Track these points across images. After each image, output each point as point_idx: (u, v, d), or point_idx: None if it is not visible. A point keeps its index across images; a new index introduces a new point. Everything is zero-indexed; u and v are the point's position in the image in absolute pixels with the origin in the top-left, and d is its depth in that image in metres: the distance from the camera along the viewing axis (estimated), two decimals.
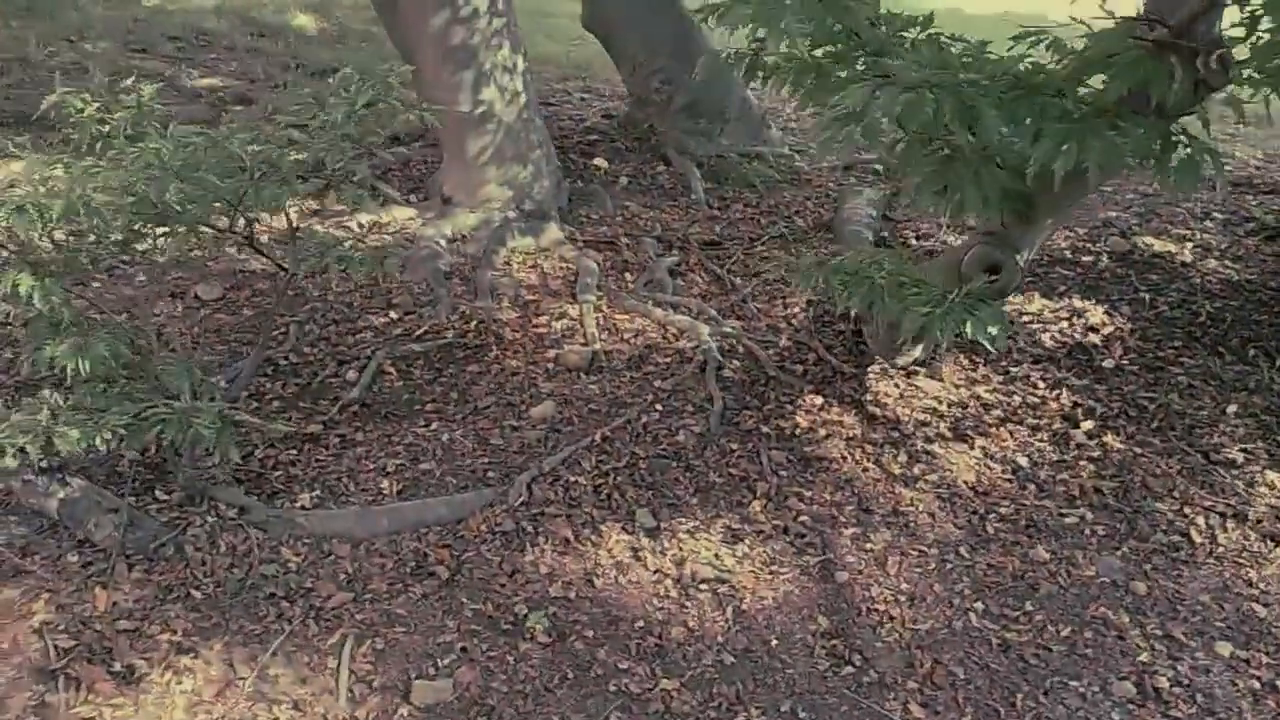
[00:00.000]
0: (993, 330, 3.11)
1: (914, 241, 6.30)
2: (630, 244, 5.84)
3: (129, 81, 3.53)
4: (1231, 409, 4.63)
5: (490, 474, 4.03)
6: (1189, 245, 6.15)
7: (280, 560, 3.51)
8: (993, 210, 3.11)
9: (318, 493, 3.83)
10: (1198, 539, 3.92)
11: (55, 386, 3.43)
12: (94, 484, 3.59)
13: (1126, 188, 7.11)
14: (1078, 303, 5.50)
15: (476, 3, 5.31)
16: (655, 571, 3.63)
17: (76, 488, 3.47)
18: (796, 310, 5.29)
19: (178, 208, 3.21)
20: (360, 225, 5.43)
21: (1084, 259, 6.02)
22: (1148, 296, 5.58)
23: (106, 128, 3.44)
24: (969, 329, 3.09)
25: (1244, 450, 4.41)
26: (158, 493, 3.72)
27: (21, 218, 3.02)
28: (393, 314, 5.10)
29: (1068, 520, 4.01)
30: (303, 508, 3.73)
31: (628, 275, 5.57)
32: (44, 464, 3.38)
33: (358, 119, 3.57)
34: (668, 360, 4.81)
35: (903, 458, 4.26)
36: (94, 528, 3.41)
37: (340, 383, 4.55)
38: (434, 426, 4.29)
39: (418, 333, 4.94)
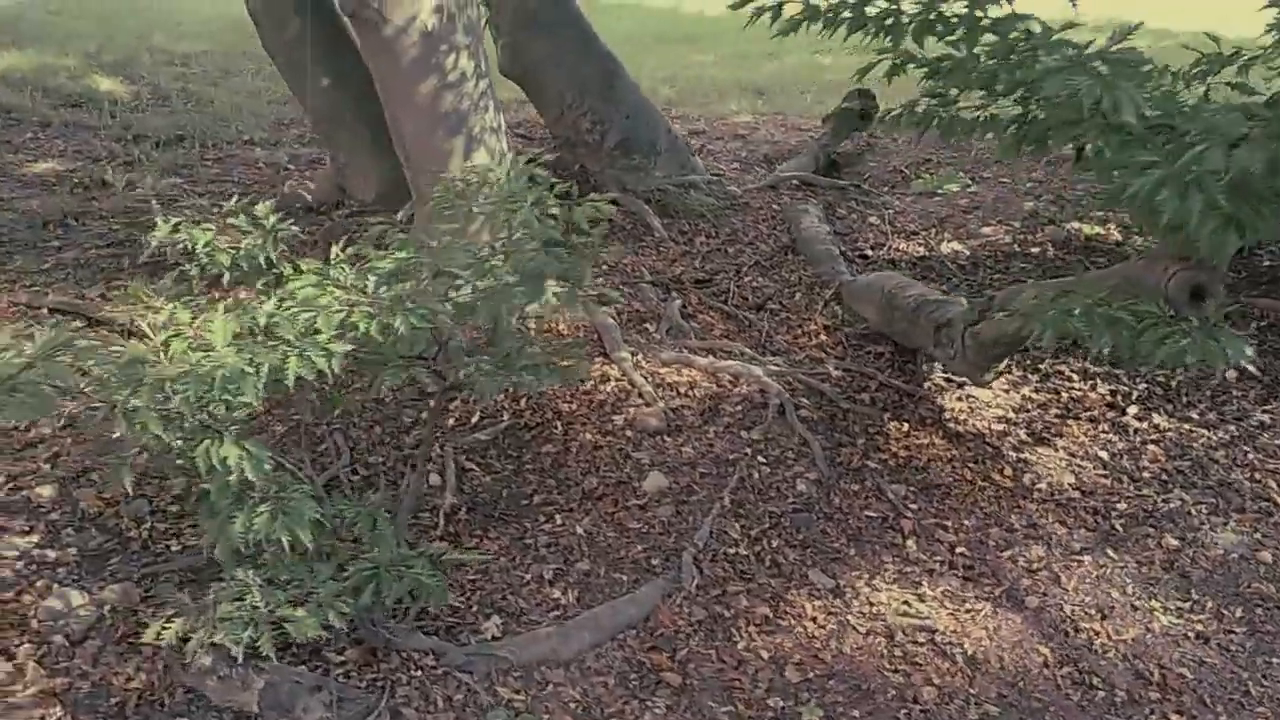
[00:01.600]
0: (1247, 352, 3.28)
1: (869, 253, 6.52)
2: (630, 292, 5.72)
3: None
4: (1231, 374, 5.10)
5: (650, 559, 3.87)
6: (1111, 226, 6.70)
7: (503, 701, 3.23)
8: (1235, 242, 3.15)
9: (497, 619, 3.54)
10: None
11: (245, 562, 3.00)
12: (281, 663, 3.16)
13: (1024, 176, 7.66)
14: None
15: (464, 66, 5.03)
16: (866, 633, 3.61)
17: (273, 671, 3.05)
18: (822, 338, 5.36)
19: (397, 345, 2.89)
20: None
21: (1032, 250, 6.44)
22: None
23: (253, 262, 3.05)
24: (1226, 356, 3.23)
25: (1267, 412, 4.88)
26: (326, 654, 3.33)
27: (245, 382, 2.62)
28: (431, 402, 4.76)
29: (1171, 504, 4.30)
30: (493, 638, 3.44)
31: (648, 325, 5.45)
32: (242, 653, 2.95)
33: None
34: (738, 408, 4.75)
35: (1007, 470, 4.43)
36: (303, 713, 3.01)
37: (427, 489, 4.21)
38: (559, 520, 4.06)
39: (473, 420, 4.64)
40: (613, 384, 4.95)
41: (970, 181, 7.60)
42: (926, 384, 4.91)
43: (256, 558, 2.98)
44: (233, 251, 3.28)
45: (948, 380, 4.96)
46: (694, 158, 7.34)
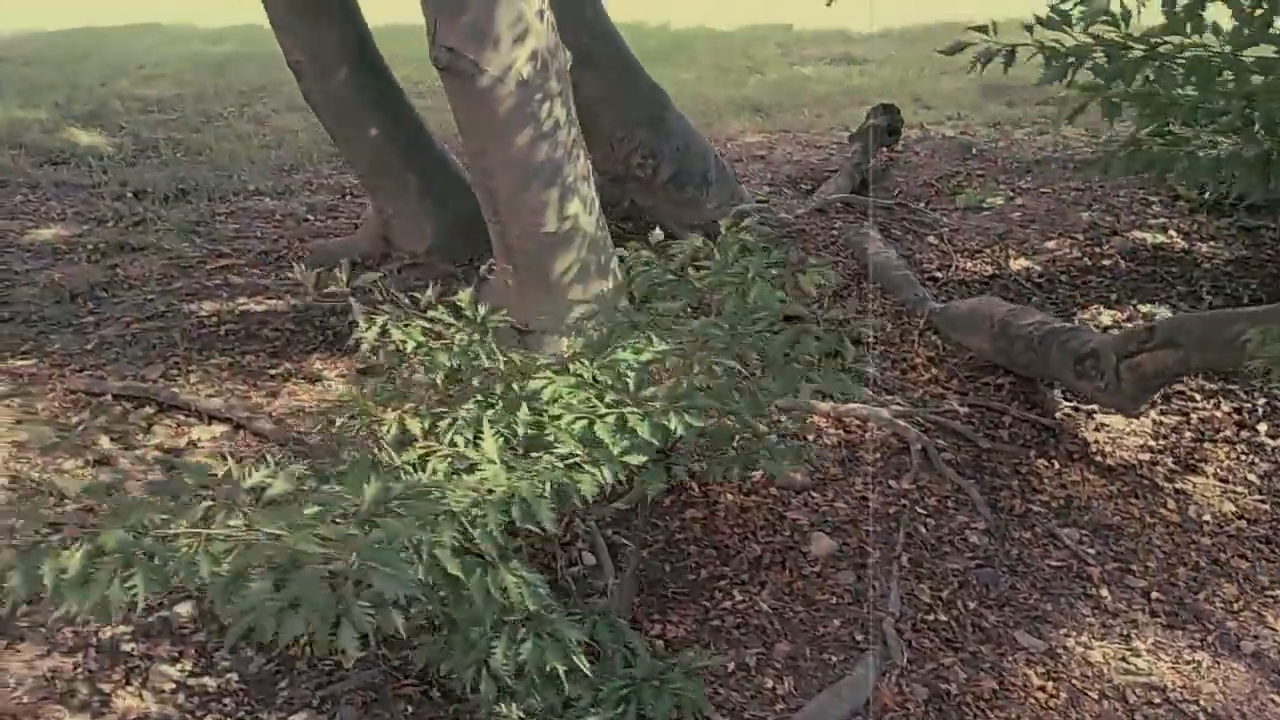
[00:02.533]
0: None
1: (937, 275, 6.40)
2: None
3: None
4: None
5: (850, 634, 3.66)
6: (1172, 233, 6.68)
7: None
8: None
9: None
10: None
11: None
12: None
13: (1065, 185, 7.62)
14: (1141, 306, 5.82)
15: (557, 114, 4.77)
16: (1099, 698, 3.44)
17: None
18: (933, 371, 5.21)
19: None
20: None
21: (1103, 263, 6.38)
22: (1182, 288, 6.01)
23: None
24: None
25: None
26: None
27: (540, 505, 2.35)
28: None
29: None
30: None
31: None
32: None
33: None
34: (877, 455, 4.57)
35: (1169, 503, 4.31)
36: None
37: (580, 571, 3.96)
38: (738, 596, 3.83)
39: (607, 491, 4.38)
40: None
41: (1012, 194, 7.54)
42: (1058, 415, 4.77)
43: (499, 682, 2.71)
44: (450, 350, 2.94)
45: (1075, 410, 4.84)
46: (740, 185, 7.16)
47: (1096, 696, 3.43)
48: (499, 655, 2.55)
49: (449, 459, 2.58)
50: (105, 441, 4.63)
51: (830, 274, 3.36)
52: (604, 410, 2.65)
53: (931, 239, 6.81)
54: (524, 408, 2.74)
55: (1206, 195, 7.29)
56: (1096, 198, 7.35)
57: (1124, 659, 3.59)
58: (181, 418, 4.82)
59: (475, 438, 2.59)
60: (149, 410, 4.86)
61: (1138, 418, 4.70)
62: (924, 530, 4.13)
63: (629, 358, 2.90)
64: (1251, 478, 4.48)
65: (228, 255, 6.71)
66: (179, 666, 3.44)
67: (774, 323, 3.17)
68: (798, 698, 3.39)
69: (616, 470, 2.56)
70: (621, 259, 3.95)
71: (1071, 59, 3.60)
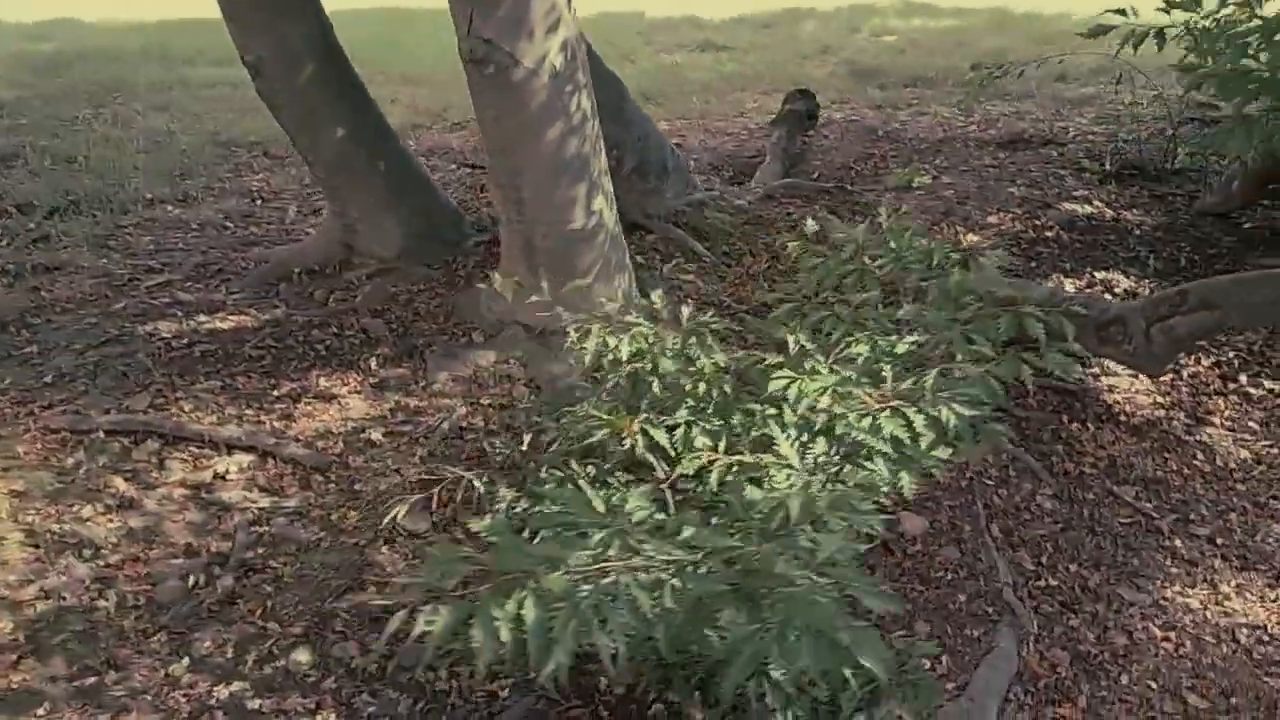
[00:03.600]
0: None
1: None
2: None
3: None
4: None
5: (979, 607, 3.75)
6: (1098, 204, 7.13)
7: None
8: None
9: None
10: None
11: None
12: None
13: (976, 161, 8.00)
14: (1098, 274, 6.20)
15: (585, 106, 4.63)
16: (1217, 641, 3.66)
17: None
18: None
19: None
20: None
21: (1046, 235, 6.74)
22: (1124, 255, 6.44)
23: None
24: None
25: None
26: None
27: None
28: None
29: None
30: None
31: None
32: None
33: None
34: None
35: (1199, 455, 4.63)
36: None
37: None
38: None
39: None
40: None
41: (935, 174, 7.85)
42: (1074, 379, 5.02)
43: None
44: (668, 355, 2.79)
45: (1086, 374, 5.10)
46: (693, 175, 7.15)
47: (1214, 641, 3.64)
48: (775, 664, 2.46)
49: (733, 468, 2.45)
50: (119, 482, 4.18)
51: (1005, 256, 3.38)
52: (876, 406, 2.59)
53: (881, 221, 6.97)
54: (786, 409, 2.63)
55: (1107, 166, 7.84)
56: (1015, 174, 7.76)
57: (1218, 604, 3.82)
58: (194, 449, 4.41)
59: (770, 443, 2.47)
60: (154, 445, 4.41)
61: (1163, 377, 5.00)
62: (999, 500, 4.27)
63: (885, 350, 2.83)
64: (1252, 424, 4.86)
65: (159, 270, 6.17)
66: (320, 718, 3.16)
67: (984, 306, 3.18)
68: (959, 674, 3.44)
69: (933, 466, 2.52)
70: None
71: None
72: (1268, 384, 5.15)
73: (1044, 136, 8.83)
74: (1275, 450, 4.69)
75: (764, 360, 2.78)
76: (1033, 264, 6.37)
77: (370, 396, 4.81)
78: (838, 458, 2.50)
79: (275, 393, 4.83)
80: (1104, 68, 9.99)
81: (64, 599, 3.57)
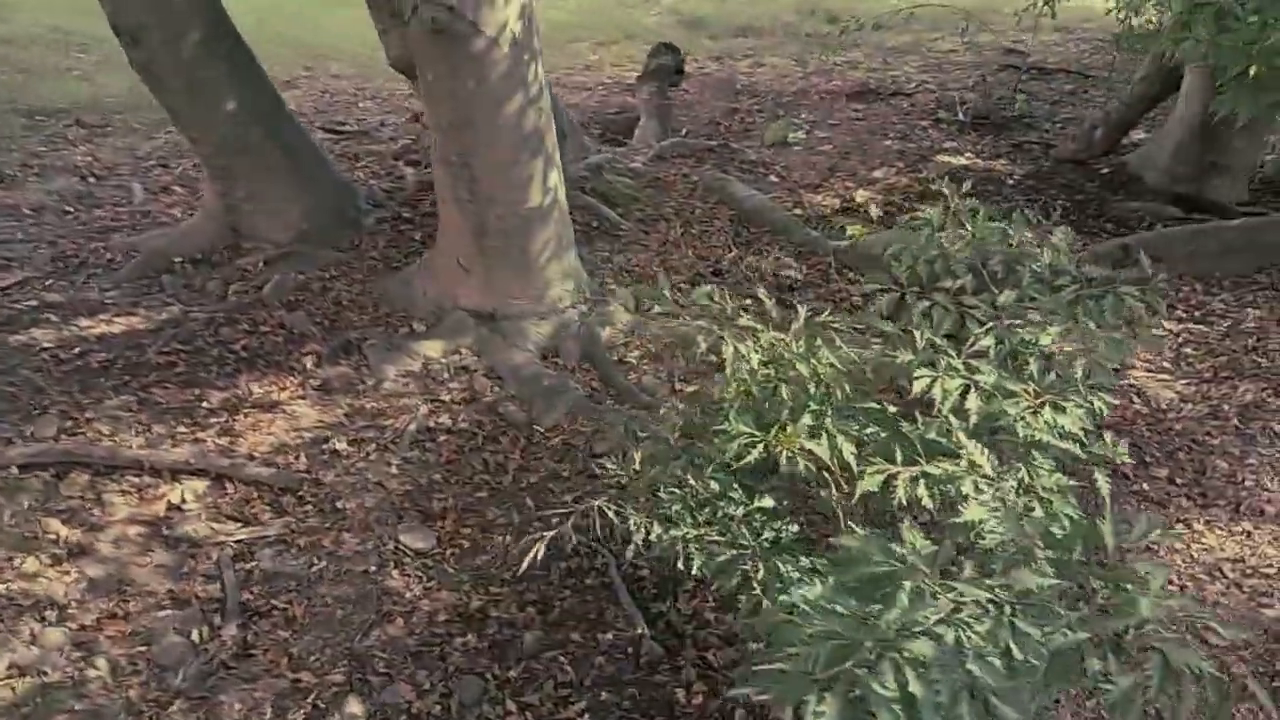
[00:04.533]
0: None
1: (797, 213, 6.64)
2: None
3: None
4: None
5: None
6: (968, 154, 7.41)
7: None
8: None
9: None
10: None
11: None
12: None
13: (840, 116, 8.14)
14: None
15: (540, 75, 4.33)
16: (1209, 578, 3.90)
17: None
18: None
19: None
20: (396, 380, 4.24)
21: (932, 187, 6.90)
22: (1005, 204, 6.72)
23: None
24: None
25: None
26: None
27: None
28: None
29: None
30: None
31: None
32: None
33: None
34: None
35: (1135, 398, 4.90)
36: None
37: None
38: None
39: None
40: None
41: (806, 128, 7.93)
42: None
43: None
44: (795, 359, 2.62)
45: None
46: (585, 136, 6.91)
47: (1209, 578, 3.88)
48: None
49: (916, 478, 2.32)
50: (57, 526, 3.64)
51: (1071, 232, 3.38)
52: (1034, 402, 2.53)
53: (773, 178, 7.01)
54: (947, 413, 2.51)
55: (960, 116, 8.16)
56: (880, 127, 7.95)
57: (1198, 541, 4.07)
58: (133, 479, 3.89)
59: (938, 450, 2.36)
60: (82, 477, 3.87)
61: None
62: None
63: (1026, 342, 2.75)
64: (1167, 365, 5.19)
65: (7, 268, 5.39)
66: None
67: (1082, 286, 3.15)
68: None
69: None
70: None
71: None
72: (1168, 325, 5.50)
73: (889, 88, 9.08)
74: (1194, 388, 5.03)
75: (894, 359, 2.68)
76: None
77: (317, 401, 4.39)
78: (1016, 462, 2.44)
79: (205, 405, 4.33)
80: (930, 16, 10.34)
81: (45, 673, 3.08)
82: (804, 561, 2.39)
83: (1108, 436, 2.58)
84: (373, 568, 3.57)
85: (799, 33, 11.30)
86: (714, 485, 2.58)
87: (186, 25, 4.72)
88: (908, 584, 1.72)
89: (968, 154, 7.43)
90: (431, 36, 3.96)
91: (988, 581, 1.82)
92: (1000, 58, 10.28)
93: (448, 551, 3.70)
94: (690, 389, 4.69)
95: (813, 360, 2.62)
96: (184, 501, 3.81)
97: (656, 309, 2.95)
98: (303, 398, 4.41)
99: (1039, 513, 2.18)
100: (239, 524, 3.74)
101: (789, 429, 2.42)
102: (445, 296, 4.82)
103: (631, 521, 2.47)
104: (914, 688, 1.52)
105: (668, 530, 2.44)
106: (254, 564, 3.56)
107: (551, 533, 2.43)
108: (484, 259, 4.64)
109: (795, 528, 2.57)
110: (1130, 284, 3.05)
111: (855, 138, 7.71)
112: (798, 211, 6.54)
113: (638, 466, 2.63)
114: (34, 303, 5.03)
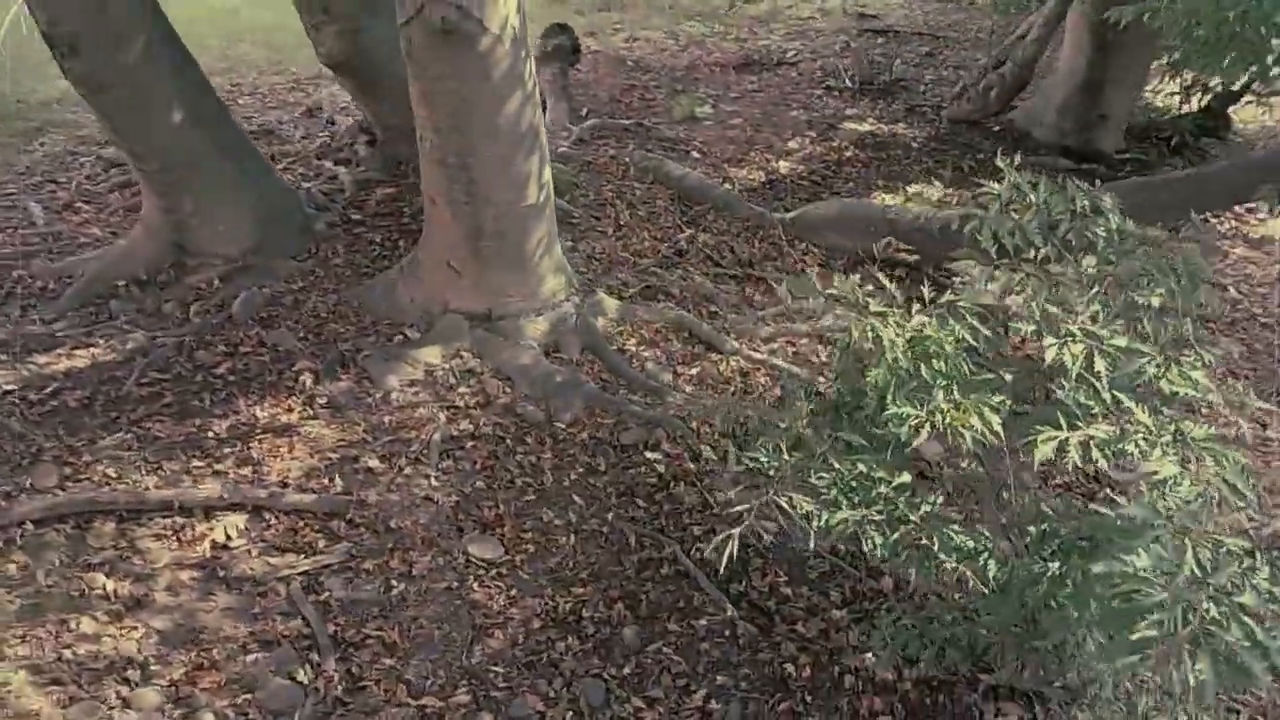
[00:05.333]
0: None
1: (729, 187, 6.78)
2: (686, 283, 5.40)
3: None
4: None
5: None
6: (871, 121, 7.72)
7: None
8: None
9: None
10: None
11: None
12: None
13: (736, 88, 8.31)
14: (909, 188, 6.76)
15: (533, 70, 4.27)
16: None
17: None
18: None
19: None
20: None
21: (846, 155, 7.22)
22: (918, 168, 7.08)
23: None
24: None
25: None
26: None
27: None
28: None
29: None
30: None
31: (702, 310, 5.23)
32: None
33: None
34: None
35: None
36: None
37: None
38: None
39: None
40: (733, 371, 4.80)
41: (711, 101, 8.06)
42: None
43: None
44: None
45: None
46: None
47: None
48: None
49: (1084, 442, 2.46)
50: (102, 580, 3.43)
51: (1116, 198, 3.55)
52: (1158, 360, 2.70)
53: (694, 154, 7.11)
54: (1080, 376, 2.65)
55: (848, 84, 8.48)
56: (780, 98, 8.16)
57: None
58: (163, 521, 3.69)
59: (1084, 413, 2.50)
60: (107, 525, 3.65)
61: None
62: None
63: (1132, 305, 2.91)
64: None
65: None
66: None
67: (1148, 249, 3.33)
68: None
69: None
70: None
71: None
72: None
73: (771, 58, 9.32)
74: None
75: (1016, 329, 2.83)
76: (850, 184, 6.79)
77: (330, 420, 4.24)
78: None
79: (211, 435, 4.12)
80: None
81: None
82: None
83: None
84: (454, 584, 3.51)
85: (662, 5, 11.40)
86: (860, 467, 2.68)
87: (129, 32, 4.42)
88: (1168, 539, 1.87)
89: (870, 120, 7.73)
90: (436, 37, 3.87)
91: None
92: (856, 23, 10.69)
93: (516, 558, 3.67)
94: (692, 370, 4.80)
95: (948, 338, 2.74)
96: (229, 539, 3.64)
97: (808, 301, 3.01)
98: (314, 418, 4.25)
99: (1209, 463, 2.38)
100: (295, 554, 3.60)
101: (961, 406, 2.54)
102: (434, 300, 4.73)
103: (808, 509, 2.55)
104: (1260, 636, 1.68)
105: (833, 514, 2.54)
106: (326, 594, 3.45)
107: (738, 529, 2.48)
108: (478, 260, 4.57)
109: (941, 499, 2.71)
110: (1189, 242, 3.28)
111: (761, 110, 7.90)
112: (727, 186, 6.66)
113: (786, 455, 2.70)
114: None
